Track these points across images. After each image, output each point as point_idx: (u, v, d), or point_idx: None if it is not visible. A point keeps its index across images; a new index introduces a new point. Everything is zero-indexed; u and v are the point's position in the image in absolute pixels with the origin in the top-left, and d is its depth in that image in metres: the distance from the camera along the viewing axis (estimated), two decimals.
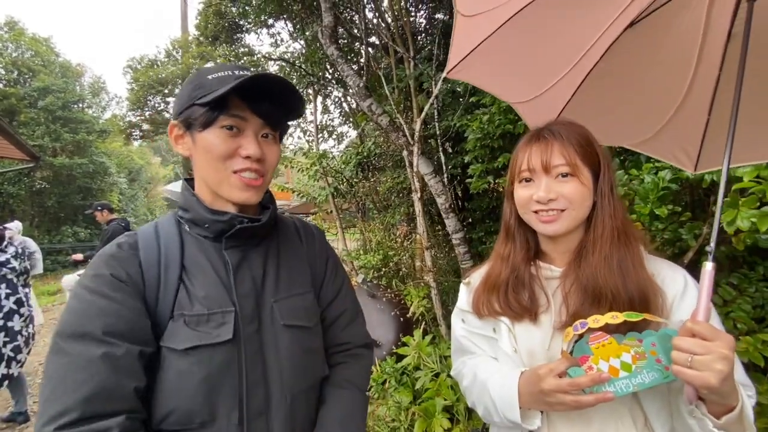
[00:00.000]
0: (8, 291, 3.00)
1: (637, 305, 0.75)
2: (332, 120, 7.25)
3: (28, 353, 3.15)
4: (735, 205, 1.35)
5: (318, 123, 6.51)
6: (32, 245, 3.63)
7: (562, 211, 0.81)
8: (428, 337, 2.97)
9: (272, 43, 6.69)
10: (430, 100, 3.08)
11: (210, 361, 0.70)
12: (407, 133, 3.18)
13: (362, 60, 5.05)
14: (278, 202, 0.90)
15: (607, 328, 0.73)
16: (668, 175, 1.63)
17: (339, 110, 7.03)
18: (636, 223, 1.66)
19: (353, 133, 6.62)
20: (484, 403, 0.87)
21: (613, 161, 2.07)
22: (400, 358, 3.07)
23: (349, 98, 5.89)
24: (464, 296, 1.01)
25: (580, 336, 0.74)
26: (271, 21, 6.20)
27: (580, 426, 0.81)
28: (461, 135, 3.36)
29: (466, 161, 3.23)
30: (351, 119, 6.37)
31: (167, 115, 14.97)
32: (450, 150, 4.10)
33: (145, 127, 15.61)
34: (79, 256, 4.88)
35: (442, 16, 4.48)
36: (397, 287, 3.83)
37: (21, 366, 3.06)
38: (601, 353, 0.73)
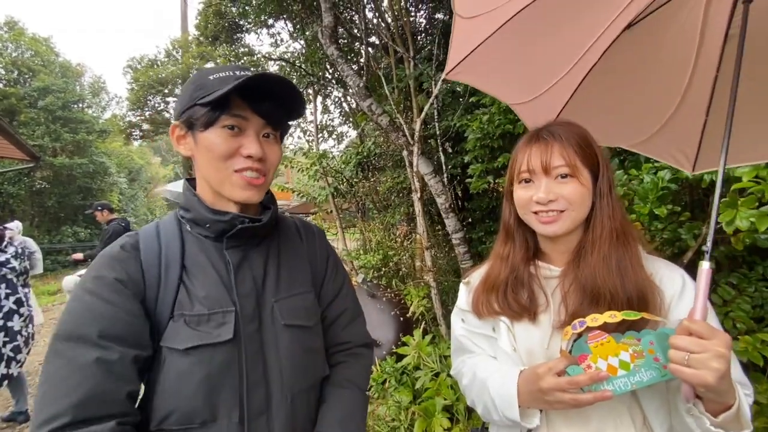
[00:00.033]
0: (8, 291, 3.00)
1: (635, 305, 0.76)
2: (332, 120, 7.27)
3: (28, 353, 3.15)
4: (734, 205, 1.35)
5: (318, 123, 6.52)
6: (32, 245, 3.62)
7: (562, 211, 0.81)
8: (428, 337, 2.97)
9: (272, 43, 6.70)
10: (430, 100, 3.08)
11: (210, 360, 0.70)
12: (407, 133, 3.18)
13: (362, 60, 5.05)
14: (278, 202, 0.91)
15: (606, 327, 0.74)
16: (667, 175, 1.64)
17: (339, 110, 7.05)
18: (635, 223, 1.67)
19: (353, 133, 6.63)
20: (484, 402, 0.88)
21: (613, 161, 2.07)
22: (400, 357, 3.08)
23: (349, 98, 5.90)
24: (464, 296, 1.02)
25: (579, 335, 0.75)
26: (271, 21, 6.20)
27: (578, 424, 0.81)
28: (461, 135, 3.36)
29: (466, 161, 3.23)
30: (351, 119, 6.38)
31: (167, 115, 14.96)
32: (450, 150, 4.10)
33: (145, 127, 15.59)
34: (79, 256, 4.88)
35: (442, 16, 4.48)
36: (397, 287, 3.83)
37: (21, 366, 3.06)
38: (600, 352, 0.73)
